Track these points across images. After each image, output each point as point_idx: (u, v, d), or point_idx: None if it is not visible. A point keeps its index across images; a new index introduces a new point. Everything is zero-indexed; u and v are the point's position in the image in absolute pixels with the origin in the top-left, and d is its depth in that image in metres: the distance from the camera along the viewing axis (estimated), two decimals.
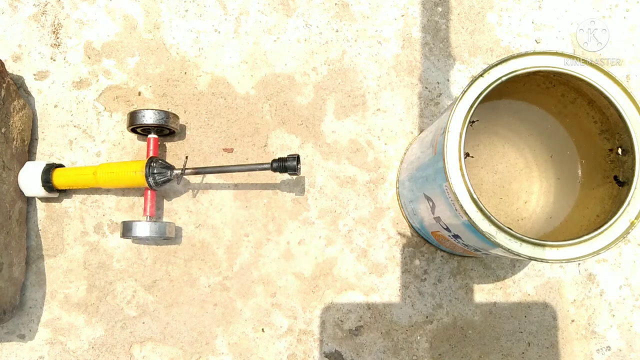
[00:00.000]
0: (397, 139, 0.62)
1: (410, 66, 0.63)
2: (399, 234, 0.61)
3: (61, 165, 0.57)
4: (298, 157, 0.53)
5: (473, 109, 0.41)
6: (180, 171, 0.54)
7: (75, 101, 0.60)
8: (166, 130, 0.57)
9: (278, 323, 0.58)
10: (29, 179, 0.54)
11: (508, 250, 0.39)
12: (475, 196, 0.40)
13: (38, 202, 0.58)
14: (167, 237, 0.55)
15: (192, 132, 0.60)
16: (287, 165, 0.52)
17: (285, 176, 0.60)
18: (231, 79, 0.61)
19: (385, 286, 0.60)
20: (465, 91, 0.41)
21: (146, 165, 0.53)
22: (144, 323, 0.57)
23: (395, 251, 0.60)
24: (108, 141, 0.60)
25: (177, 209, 0.59)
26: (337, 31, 0.63)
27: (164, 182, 0.55)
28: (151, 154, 0.56)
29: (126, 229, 0.54)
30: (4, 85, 0.54)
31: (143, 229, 0.54)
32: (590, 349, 0.61)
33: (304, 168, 0.61)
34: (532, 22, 0.65)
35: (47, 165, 0.55)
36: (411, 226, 0.61)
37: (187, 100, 0.61)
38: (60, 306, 0.57)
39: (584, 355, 0.61)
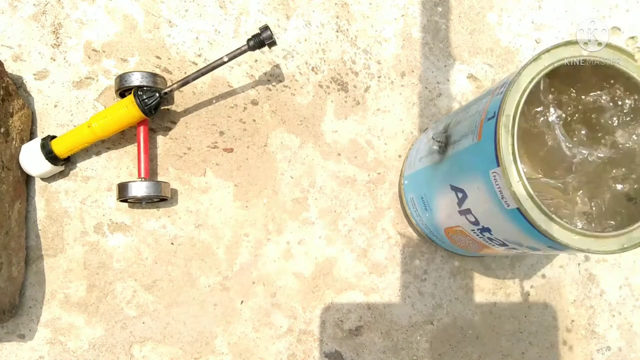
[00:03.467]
0: (397, 139, 0.62)
1: (410, 66, 0.63)
2: (399, 234, 0.61)
3: (54, 136, 0.57)
4: (267, 25, 0.53)
5: (528, 90, 0.40)
6: (168, 89, 0.54)
7: (75, 101, 0.60)
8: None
9: (278, 323, 0.58)
10: (32, 157, 0.54)
11: (558, 241, 0.39)
12: (527, 184, 0.39)
13: (38, 201, 0.58)
14: (163, 196, 0.56)
15: (192, 132, 0.60)
16: (263, 37, 0.52)
17: (287, 175, 0.60)
18: (231, 79, 0.61)
19: (385, 286, 0.60)
20: (521, 72, 0.40)
21: (134, 96, 0.54)
22: (144, 323, 0.57)
23: (395, 251, 0.60)
24: (108, 140, 0.60)
25: (177, 209, 0.59)
26: (337, 31, 0.63)
27: (157, 104, 0.55)
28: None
29: (122, 190, 0.55)
30: (3, 85, 0.54)
31: (139, 188, 0.54)
32: (590, 349, 0.61)
33: (303, 168, 0.61)
34: (532, 22, 0.65)
35: (42, 139, 0.55)
36: (413, 224, 0.60)
37: (187, 100, 0.61)
38: (60, 306, 0.57)
39: (584, 355, 0.61)
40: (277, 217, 0.60)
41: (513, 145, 0.40)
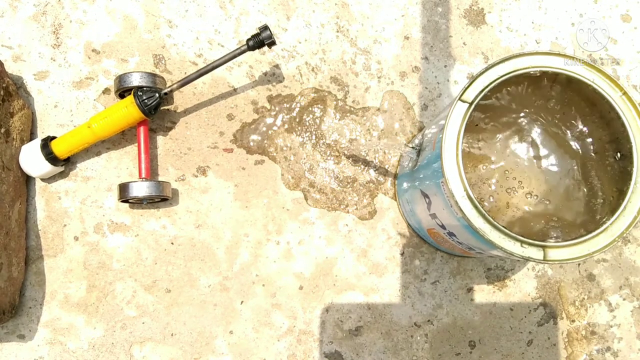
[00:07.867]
0: (397, 139, 0.62)
1: (410, 66, 0.63)
2: (399, 234, 0.61)
3: (54, 137, 0.57)
4: (267, 25, 0.52)
5: (473, 105, 0.41)
6: (168, 89, 0.54)
7: (75, 101, 0.60)
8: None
9: (278, 323, 0.58)
10: (32, 158, 0.54)
11: (501, 248, 0.39)
12: (470, 193, 0.40)
13: (38, 202, 0.58)
14: (164, 196, 0.56)
15: (192, 132, 0.60)
16: (262, 37, 0.52)
17: (287, 176, 0.60)
18: (231, 79, 0.61)
19: (385, 286, 0.60)
20: (466, 88, 0.42)
21: (134, 96, 0.53)
22: (143, 323, 0.57)
23: (395, 251, 0.60)
24: (108, 141, 0.60)
25: (177, 209, 0.59)
26: (337, 31, 0.63)
27: (157, 105, 0.54)
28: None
29: (123, 190, 0.55)
30: (3, 85, 0.54)
31: (140, 188, 0.54)
32: (590, 349, 0.61)
33: (304, 167, 0.61)
34: (532, 22, 0.65)
35: (42, 140, 0.55)
36: (409, 225, 0.61)
37: (187, 101, 0.61)
38: (60, 306, 0.57)
39: (584, 355, 0.61)
40: (277, 217, 0.60)
41: (457, 157, 0.40)
